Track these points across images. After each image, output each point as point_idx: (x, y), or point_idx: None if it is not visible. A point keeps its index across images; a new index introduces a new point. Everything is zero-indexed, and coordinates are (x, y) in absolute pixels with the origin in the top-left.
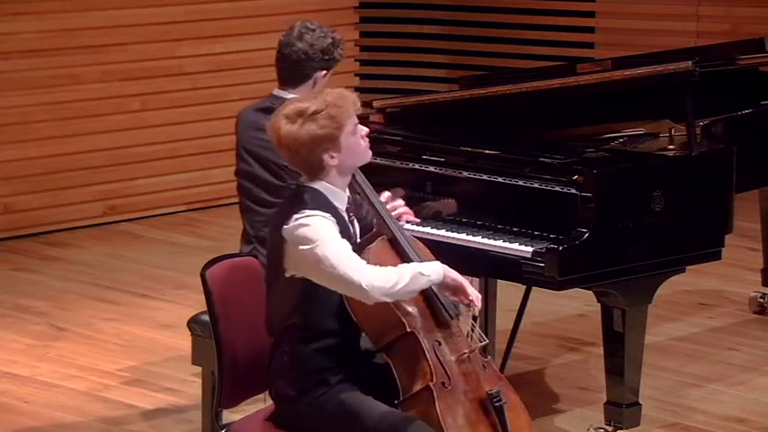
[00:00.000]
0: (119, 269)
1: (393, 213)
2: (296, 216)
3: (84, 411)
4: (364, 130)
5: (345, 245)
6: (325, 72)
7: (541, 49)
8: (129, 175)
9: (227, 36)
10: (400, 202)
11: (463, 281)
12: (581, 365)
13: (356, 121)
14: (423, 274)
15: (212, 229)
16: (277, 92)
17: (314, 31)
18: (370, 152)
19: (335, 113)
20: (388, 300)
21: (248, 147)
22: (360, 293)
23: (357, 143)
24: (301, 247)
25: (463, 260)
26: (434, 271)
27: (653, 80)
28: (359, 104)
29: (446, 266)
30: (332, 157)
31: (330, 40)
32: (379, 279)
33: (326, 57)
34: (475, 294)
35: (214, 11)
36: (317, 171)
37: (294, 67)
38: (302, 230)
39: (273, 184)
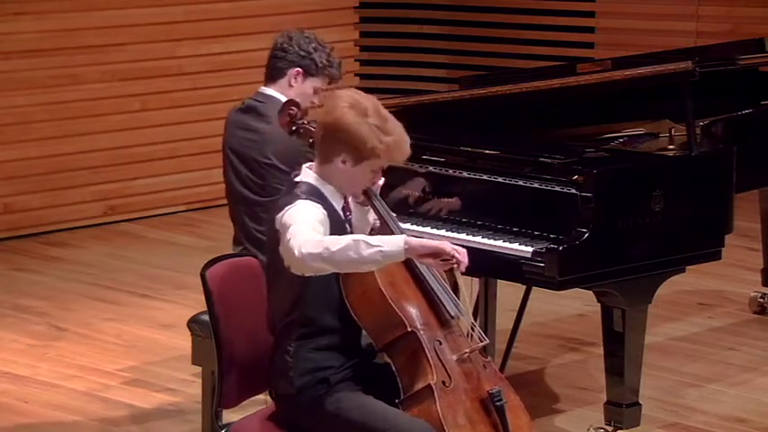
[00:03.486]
0: (119, 269)
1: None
2: (287, 206)
3: (84, 411)
4: (379, 177)
5: (311, 225)
6: (299, 71)
7: (541, 49)
8: (129, 175)
9: (227, 36)
10: None
11: (436, 244)
12: (581, 365)
13: (385, 166)
14: (369, 244)
15: (212, 229)
16: (261, 89)
17: (306, 37)
18: (361, 194)
19: (391, 147)
20: (328, 266)
21: (234, 145)
22: (297, 262)
23: (365, 179)
24: (282, 235)
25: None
26: (390, 242)
27: (653, 80)
28: (404, 159)
29: (411, 238)
30: (344, 162)
31: (314, 44)
32: (311, 244)
33: (303, 54)
34: (456, 251)
35: (214, 11)
36: (325, 161)
37: (271, 61)
38: (285, 217)
39: (254, 181)
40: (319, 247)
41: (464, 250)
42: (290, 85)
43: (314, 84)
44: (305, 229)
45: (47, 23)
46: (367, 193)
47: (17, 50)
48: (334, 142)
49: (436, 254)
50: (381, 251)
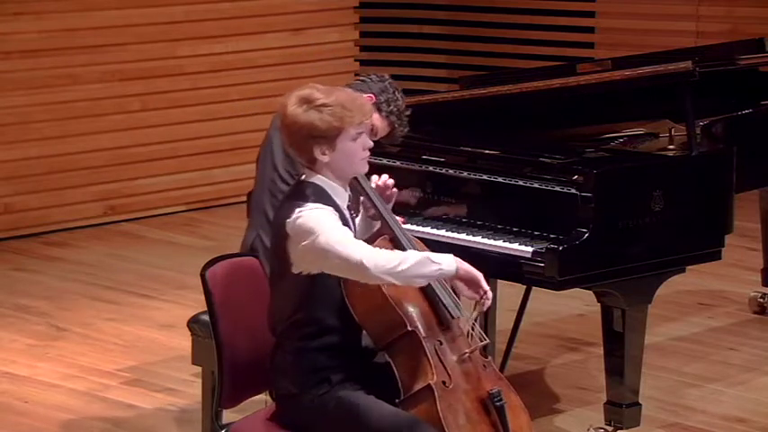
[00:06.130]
0: (119, 269)
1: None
2: (298, 210)
3: (84, 411)
4: (369, 144)
5: (346, 230)
6: (372, 97)
7: (541, 49)
8: (129, 175)
9: (227, 36)
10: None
11: (477, 273)
12: (581, 365)
13: (362, 130)
14: (432, 261)
15: (212, 229)
16: None
17: (398, 89)
18: (367, 166)
19: (341, 114)
20: (392, 280)
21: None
22: (361, 272)
23: (354, 151)
24: (303, 243)
25: (463, 260)
26: (446, 261)
27: (653, 80)
28: (369, 117)
29: (459, 259)
30: (323, 153)
31: (399, 95)
32: (382, 257)
33: (383, 89)
34: (488, 288)
35: (214, 11)
36: (311, 162)
37: (356, 79)
38: (302, 223)
39: (286, 170)
40: (391, 261)
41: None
42: None
43: (375, 120)
44: (352, 239)
45: (47, 23)
46: (372, 202)
47: (17, 50)
48: (302, 142)
49: (472, 283)
50: (440, 269)
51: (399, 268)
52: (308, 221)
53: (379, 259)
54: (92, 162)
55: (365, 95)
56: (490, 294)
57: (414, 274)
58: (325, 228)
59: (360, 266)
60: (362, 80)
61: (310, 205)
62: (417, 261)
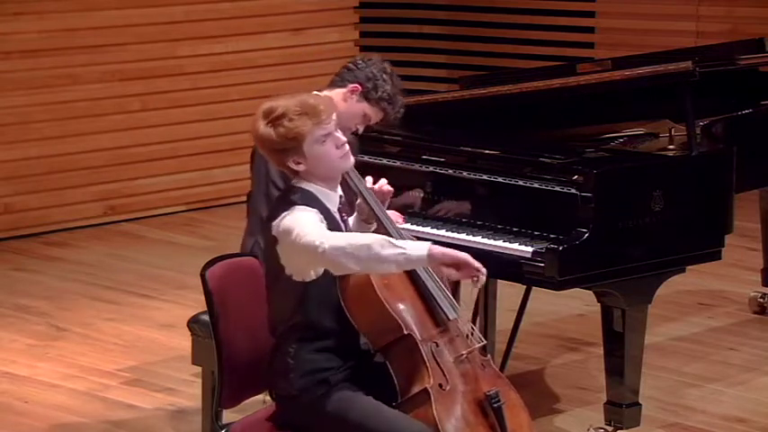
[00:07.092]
0: (119, 269)
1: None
2: (284, 213)
3: (84, 411)
4: (341, 139)
5: (320, 226)
6: (358, 87)
7: (541, 49)
8: (129, 175)
9: (227, 36)
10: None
11: (460, 254)
12: (581, 365)
13: (326, 131)
14: (394, 244)
15: (212, 229)
16: (315, 92)
17: (384, 68)
18: (351, 160)
19: (291, 125)
20: (353, 264)
21: None
22: (317, 254)
23: (327, 153)
24: (285, 241)
25: None
26: (413, 246)
27: (653, 80)
28: (326, 115)
29: (437, 246)
30: (297, 163)
31: (386, 76)
32: (335, 239)
33: (370, 76)
34: (478, 265)
35: (214, 11)
36: (293, 173)
37: (341, 70)
38: (285, 223)
39: (283, 172)
40: (343, 241)
41: (483, 268)
42: (344, 99)
43: (366, 108)
44: (316, 226)
45: (47, 23)
46: (366, 201)
47: (17, 50)
48: (273, 156)
49: (459, 265)
50: (405, 254)
51: (350, 248)
52: (289, 222)
53: (330, 240)
54: (92, 162)
55: (352, 86)
56: (483, 270)
57: (374, 256)
58: (300, 225)
59: (315, 250)
60: (349, 68)
61: (297, 207)
62: (374, 241)
